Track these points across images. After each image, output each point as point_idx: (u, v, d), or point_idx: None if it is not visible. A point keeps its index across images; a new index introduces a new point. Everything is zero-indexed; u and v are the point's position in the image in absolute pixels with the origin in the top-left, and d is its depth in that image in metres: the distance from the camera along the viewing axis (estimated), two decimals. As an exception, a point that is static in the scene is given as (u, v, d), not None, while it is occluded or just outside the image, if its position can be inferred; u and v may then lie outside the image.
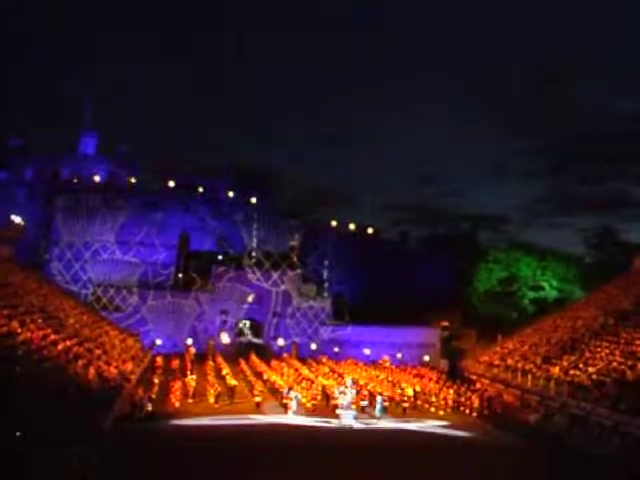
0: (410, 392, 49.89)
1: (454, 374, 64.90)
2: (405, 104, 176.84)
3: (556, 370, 47.79)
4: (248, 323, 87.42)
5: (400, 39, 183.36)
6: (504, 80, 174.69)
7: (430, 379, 57.76)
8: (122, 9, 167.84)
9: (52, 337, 41.62)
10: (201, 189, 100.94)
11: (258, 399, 47.20)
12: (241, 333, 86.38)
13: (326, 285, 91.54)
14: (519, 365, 53.21)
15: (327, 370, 63.47)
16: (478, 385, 55.61)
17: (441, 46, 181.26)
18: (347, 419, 42.17)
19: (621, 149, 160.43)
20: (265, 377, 57.40)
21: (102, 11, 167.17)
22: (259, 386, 50.95)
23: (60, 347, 40.56)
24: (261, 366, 64.34)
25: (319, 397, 48.79)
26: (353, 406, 44.50)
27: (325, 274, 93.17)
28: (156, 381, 51.17)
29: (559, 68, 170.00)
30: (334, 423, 41.93)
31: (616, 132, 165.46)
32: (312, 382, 52.91)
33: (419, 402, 49.78)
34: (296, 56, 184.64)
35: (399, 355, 77.89)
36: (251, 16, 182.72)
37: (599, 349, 49.33)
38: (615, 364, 44.21)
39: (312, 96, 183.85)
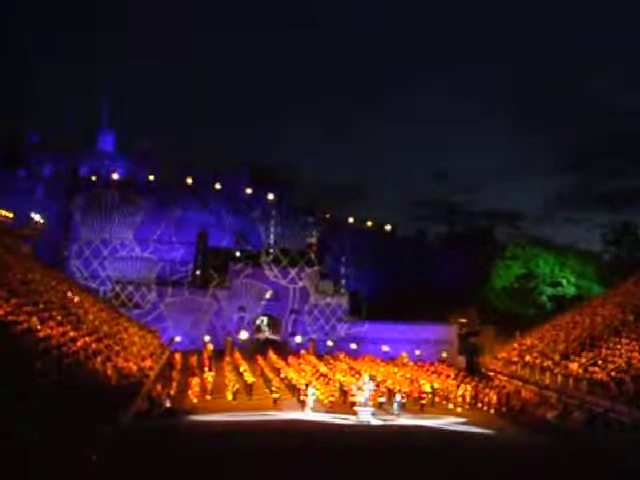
0: (428, 389, 49.85)
1: (472, 371, 64.83)
2: (422, 100, 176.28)
3: (575, 367, 47.61)
4: (266, 320, 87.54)
5: (419, 38, 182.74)
6: (522, 78, 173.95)
7: (448, 376, 57.66)
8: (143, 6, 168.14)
9: (71, 333, 41.86)
10: (219, 186, 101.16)
11: (276, 396, 47.31)
12: (259, 330, 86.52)
13: (343, 282, 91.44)
14: (537, 362, 53.06)
15: (344, 367, 63.46)
16: (496, 382, 55.51)
17: (460, 45, 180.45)
18: (365, 416, 42.22)
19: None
20: (283, 374, 57.49)
21: (116, 8, 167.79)
22: (277, 383, 51.05)
23: (79, 343, 40.80)
24: (279, 363, 64.47)
25: (337, 394, 48.83)
26: (371, 403, 44.55)
27: (342, 271, 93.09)
28: (174, 377, 51.42)
29: (575, 66, 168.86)
30: (352, 420, 41.98)
31: (634, 128, 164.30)
32: (330, 379, 52.96)
33: (437, 399, 49.74)
34: (315, 53, 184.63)
35: (417, 352, 77.76)
36: (263, 17, 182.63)
37: (618, 346, 49.07)
38: (634, 361, 43.97)
39: (331, 93, 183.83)
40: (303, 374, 56.18)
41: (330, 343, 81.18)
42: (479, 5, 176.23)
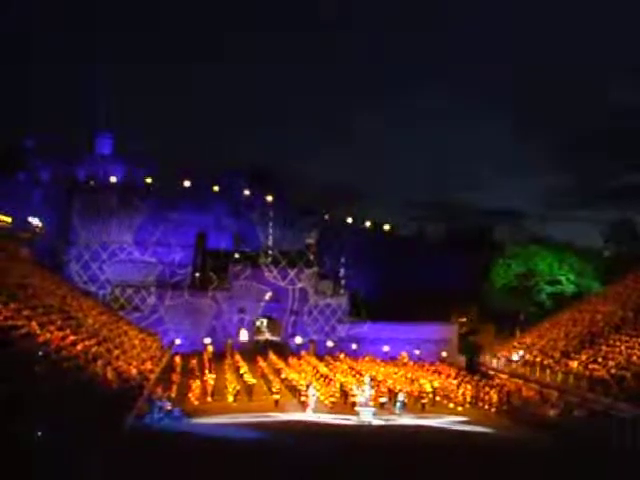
0: (428, 388, 49.83)
1: (472, 369, 64.80)
2: (422, 100, 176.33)
3: (575, 364, 47.59)
4: (265, 321, 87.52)
5: (419, 38, 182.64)
6: (522, 77, 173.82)
7: (448, 375, 57.70)
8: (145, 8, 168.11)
9: (71, 337, 41.82)
10: (217, 188, 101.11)
11: (277, 397, 47.30)
12: (259, 331, 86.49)
13: (343, 282, 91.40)
14: (538, 360, 53.03)
15: (345, 367, 63.47)
16: (496, 380, 55.49)
17: (460, 45, 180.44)
18: (366, 416, 42.19)
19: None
20: (283, 375, 57.46)
21: (118, 10, 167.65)
22: (277, 384, 51.03)
23: (79, 347, 40.76)
24: (279, 364, 64.45)
25: (337, 394, 48.81)
26: (371, 403, 44.54)
27: (342, 271, 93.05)
28: (175, 380, 51.38)
29: (575, 66, 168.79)
30: (353, 420, 41.96)
31: (634, 127, 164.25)
32: (330, 379, 52.95)
33: (438, 398, 49.73)
34: (311, 55, 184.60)
35: (417, 351, 77.75)
36: (263, 17, 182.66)
37: (618, 343, 49.06)
38: (635, 358, 43.95)
39: (331, 93, 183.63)
40: (304, 375, 56.16)
41: (330, 344, 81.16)
42: (479, 5, 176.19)
